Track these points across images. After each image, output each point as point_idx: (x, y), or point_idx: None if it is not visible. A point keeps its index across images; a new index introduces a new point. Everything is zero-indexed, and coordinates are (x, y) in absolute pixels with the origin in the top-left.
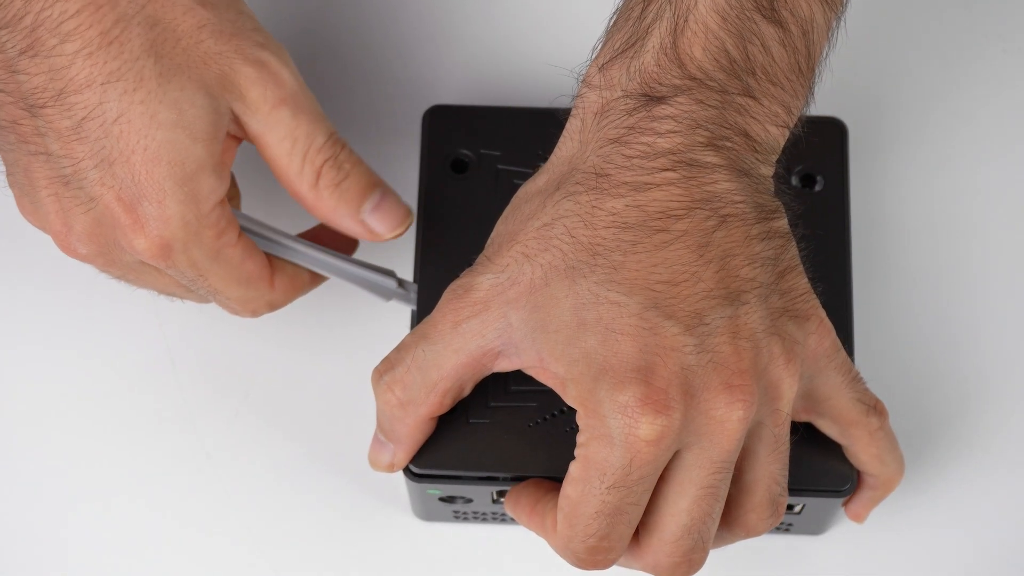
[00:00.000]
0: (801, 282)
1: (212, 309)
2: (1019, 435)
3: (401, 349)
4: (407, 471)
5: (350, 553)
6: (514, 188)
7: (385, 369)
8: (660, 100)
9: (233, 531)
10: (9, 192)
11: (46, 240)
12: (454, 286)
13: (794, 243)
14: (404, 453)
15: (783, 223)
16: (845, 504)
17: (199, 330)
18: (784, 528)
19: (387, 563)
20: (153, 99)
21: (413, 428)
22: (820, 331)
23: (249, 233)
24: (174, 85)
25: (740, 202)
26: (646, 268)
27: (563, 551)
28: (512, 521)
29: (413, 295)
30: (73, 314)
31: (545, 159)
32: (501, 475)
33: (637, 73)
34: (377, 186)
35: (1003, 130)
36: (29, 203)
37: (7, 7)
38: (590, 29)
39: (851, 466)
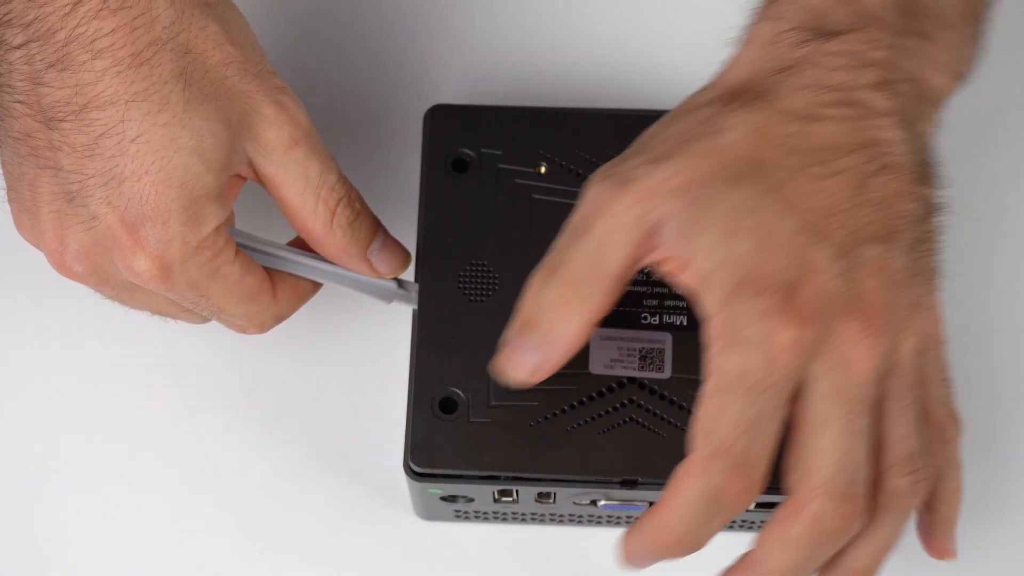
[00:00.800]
0: (930, 261)
1: None
2: (1019, 435)
3: (561, 249)
4: (408, 470)
5: (351, 553)
6: (515, 188)
7: (548, 273)
8: (831, 36)
9: (233, 531)
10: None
11: None
12: (609, 175)
13: (938, 218)
14: (560, 356)
15: (934, 192)
16: (926, 544)
17: (199, 331)
18: None
19: (388, 563)
20: (176, 123)
21: (581, 328)
22: (934, 316)
23: (246, 249)
24: (199, 114)
25: (902, 155)
26: (805, 193)
27: (701, 482)
28: (513, 520)
29: (414, 294)
30: (73, 315)
31: (547, 159)
32: (502, 474)
33: (809, 8)
34: (381, 227)
35: (1005, 127)
36: (28, 219)
37: (42, 21)
38: (592, 29)
39: None
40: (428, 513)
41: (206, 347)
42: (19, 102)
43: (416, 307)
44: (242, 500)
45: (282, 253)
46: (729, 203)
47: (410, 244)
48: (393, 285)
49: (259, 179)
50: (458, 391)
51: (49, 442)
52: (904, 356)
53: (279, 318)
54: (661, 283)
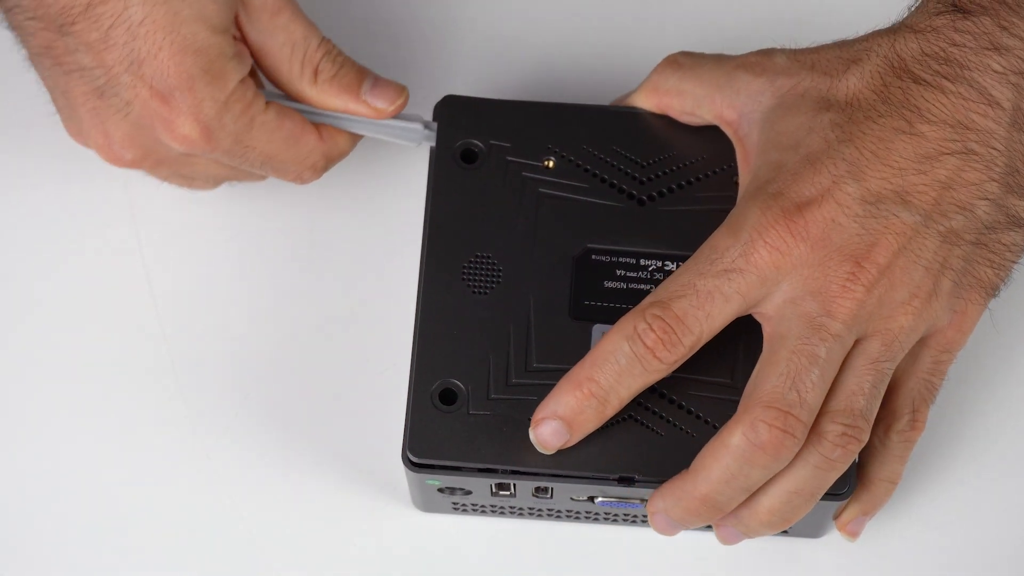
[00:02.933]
0: (986, 271)
1: (213, 310)
2: (1020, 435)
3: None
4: (406, 460)
5: (350, 544)
6: (522, 181)
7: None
8: (966, 14)
9: (232, 521)
10: (10, 198)
11: (45, 240)
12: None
13: (1018, 234)
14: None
15: (1018, 204)
16: (837, 517)
17: (199, 330)
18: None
19: (386, 554)
20: None
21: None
22: (961, 323)
23: (277, 98)
24: None
25: (995, 150)
26: (872, 138)
27: (754, 412)
28: (510, 514)
29: (434, 134)
30: (73, 315)
31: (555, 153)
32: (500, 467)
33: None
34: (367, 71)
35: None
36: (73, 124)
37: None
38: (603, 26)
39: (850, 470)
40: (426, 505)
41: (206, 347)
42: (31, 19)
43: (434, 144)
44: (241, 491)
45: (314, 110)
46: (807, 121)
47: (417, 234)
48: (419, 126)
49: (247, 46)
50: (458, 383)
51: (49, 442)
52: (896, 330)
53: (329, 158)
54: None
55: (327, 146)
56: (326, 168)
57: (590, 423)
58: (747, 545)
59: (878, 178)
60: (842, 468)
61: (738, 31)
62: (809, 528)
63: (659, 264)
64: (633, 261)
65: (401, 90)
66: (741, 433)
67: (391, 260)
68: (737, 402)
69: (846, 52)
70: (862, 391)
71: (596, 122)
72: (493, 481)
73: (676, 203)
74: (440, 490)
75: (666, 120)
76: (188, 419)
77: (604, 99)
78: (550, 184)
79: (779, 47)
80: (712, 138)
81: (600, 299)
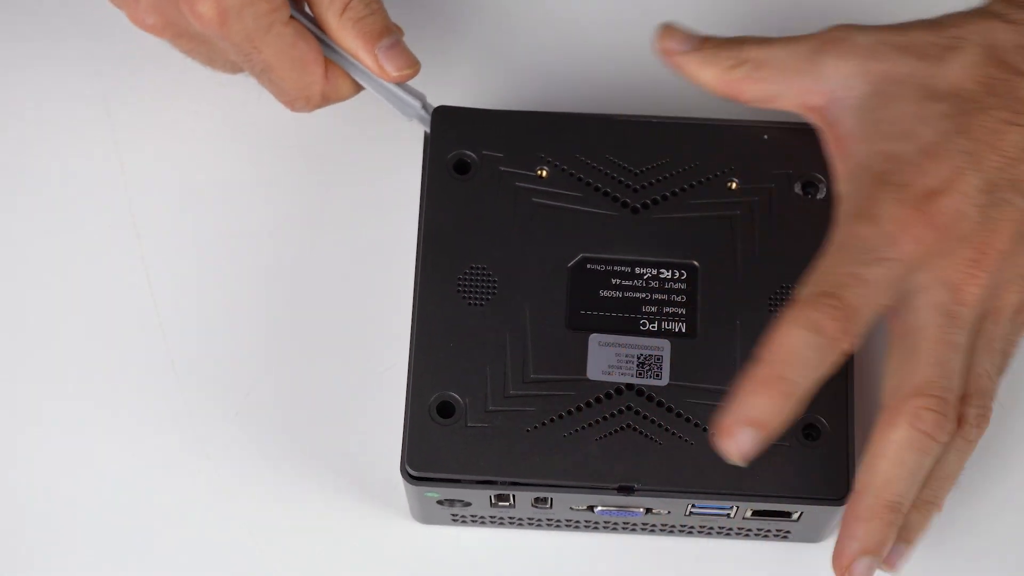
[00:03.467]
0: None
1: (213, 310)
2: (1020, 435)
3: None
4: (405, 473)
5: (348, 555)
6: (516, 191)
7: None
8: None
9: (232, 532)
10: (10, 199)
11: (45, 241)
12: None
13: None
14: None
15: None
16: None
17: (199, 330)
18: (782, 535)
19: (385, 565)
20: None
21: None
22: None
23: (303, 21)
24: None
25: None
26: (985, 129)
27: (804, 316)
28: (510, 525)
29: (428, 117)
30: (72, 314)
31: (548, 163)
32: (499, 479)
33: None
34: (393, 31)
35: None
36: None
37: None
38: (596, 35)
39: (849, 477)
40: (425, 517)
41: (206, 347)
42: None
43: (428, 131)
44: (240, 501)
45: (333, 44)
46: (916, 110)
47: (411, 246)
48: (418, 104)
49: None
50: (456, 395)
51: (47, 442)
52: (1004, 306)
53: (326, 98)
54: (661, 288)
55: (329, 85)
56: (319, 106)
57: (783, 423)
58: (747, 549)
59: (994, 168)
60: (973, 449)
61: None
62: (809, 533)
63: (654, 272)
64: (628, 270)
65: (413, 63)
66: (908, 425)
67: (392, 261)
68: None
69: (938, 37)
70: (989, 373)
71: (589, 130)
72: (492, 492)
73: (670, 210)
74: (439, 502)
75: (659, 127)
76: (188, 419)
77: (596, 108)
78: (544, 194)
79: (851, 23)
80: (705, 143)
81: (596, 309)
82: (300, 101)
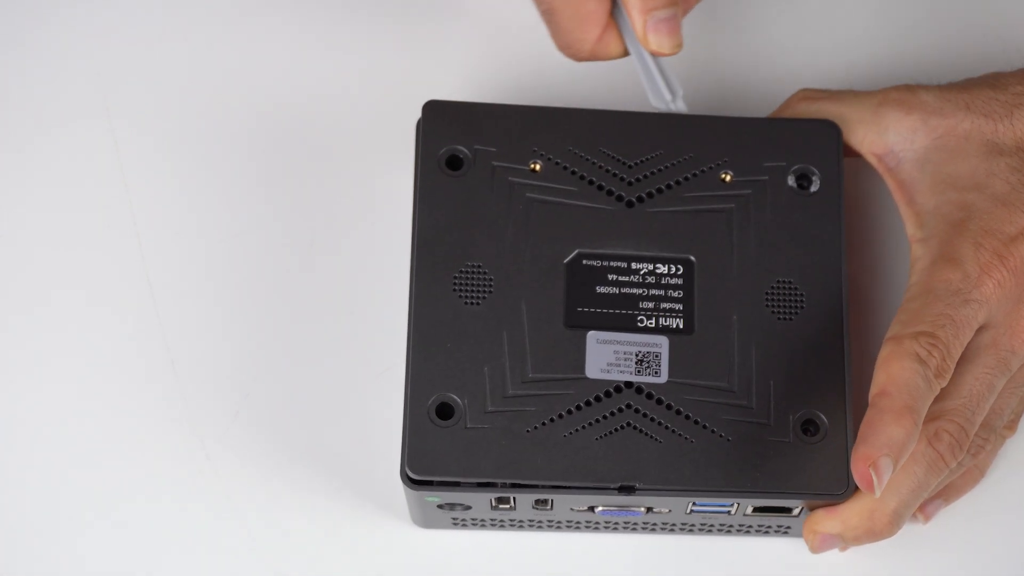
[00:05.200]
0: None
1: (213, 310)
2: (1019, 435)
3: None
4: (405, 478)
5: (348, 560)
6: (509, 186)
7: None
8: None
9: (232, 534)
10: (10, 199)
11: (44, 241)
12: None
13: None
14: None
15: None
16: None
17: (199, 330)
18: (783, 531)
19: (385, 570)
20: None
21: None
22: None
23: None
24: None
25: None
26: None
27: (911, 351)
28: (511, 527)
29: (682, 109)
30: (72, 314)
31: (541, 156)
32: (499, 481)
33: None
34: (674, 6)
35: None
36: None
37: None
38: None
39: (848, 470)
40: (426, 521)
41: (206, 347)
42: None
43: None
44: (240, 505)
45: (623, 8)
46: (985, 164)
47: (405, 245)
48: (669, 97)
49: None
50: (455, 397)
51: (47, 442)
52: None
53: (594, 55)
54: (657, 284)
55: (600, 45)
56: (586, 60)
57: (911, 450)
58: (746, 547)
59: None
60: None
61: (729, 33)
62: None
63: (651, 267)
64: (624, 265)
65: (676, 44)
66: (927, 442)
67: (392, 260)
68: (736, 407)
69: (1002, 95)
70: (1003, 411)
71: (582, 124)
72: (493, 495)
73: (665, 204)
74: (440, 506)
75: (652, 119)
76: (188, 420)
77: (589, 102)
78: (537, 188)
79: (917, 83)
80: (698, 136)
81: (593, 305)
82: (571, 50)
